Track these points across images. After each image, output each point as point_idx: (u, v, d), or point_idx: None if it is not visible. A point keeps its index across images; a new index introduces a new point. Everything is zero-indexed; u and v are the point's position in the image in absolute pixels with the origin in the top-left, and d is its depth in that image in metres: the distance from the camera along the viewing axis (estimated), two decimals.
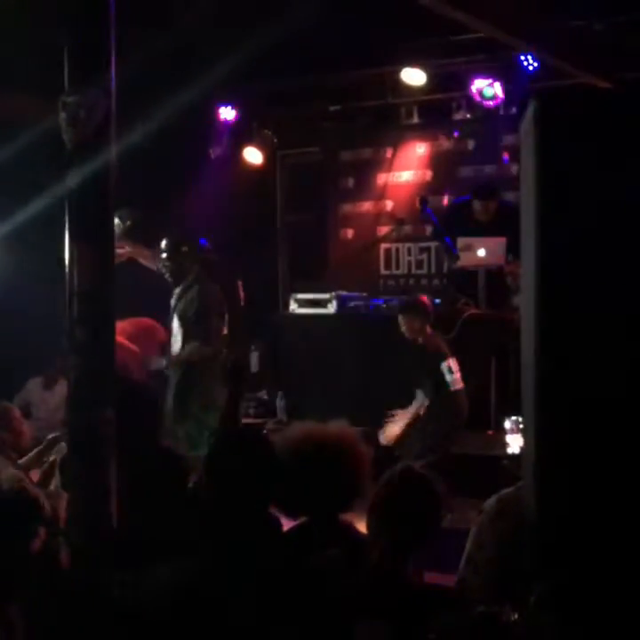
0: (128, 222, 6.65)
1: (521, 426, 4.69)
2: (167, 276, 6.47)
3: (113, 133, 3.22)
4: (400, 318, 6.49)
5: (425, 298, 6.71)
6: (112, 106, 3.23)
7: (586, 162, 2.42)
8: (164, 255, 6.43)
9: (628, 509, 2.47)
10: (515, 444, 6.11)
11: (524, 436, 2.94)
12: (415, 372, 6.50)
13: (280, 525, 3.13)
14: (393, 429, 6.37)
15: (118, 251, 6.59)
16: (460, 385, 6.35)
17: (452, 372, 6.33)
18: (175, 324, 6.44)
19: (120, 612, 2.85)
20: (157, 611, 2.69)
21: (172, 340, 6.50)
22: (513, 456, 5.99)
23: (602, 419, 2.47)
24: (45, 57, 6.70)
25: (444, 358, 6.33)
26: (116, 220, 6.61)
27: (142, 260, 6.85)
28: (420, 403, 6.40)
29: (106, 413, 3.24)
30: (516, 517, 2.71)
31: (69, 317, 3.25)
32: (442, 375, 6.31)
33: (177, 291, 6.44)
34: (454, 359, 6.37)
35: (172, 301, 6.47)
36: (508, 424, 6.27)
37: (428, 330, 6.44)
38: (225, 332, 6.51)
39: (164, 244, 6.46)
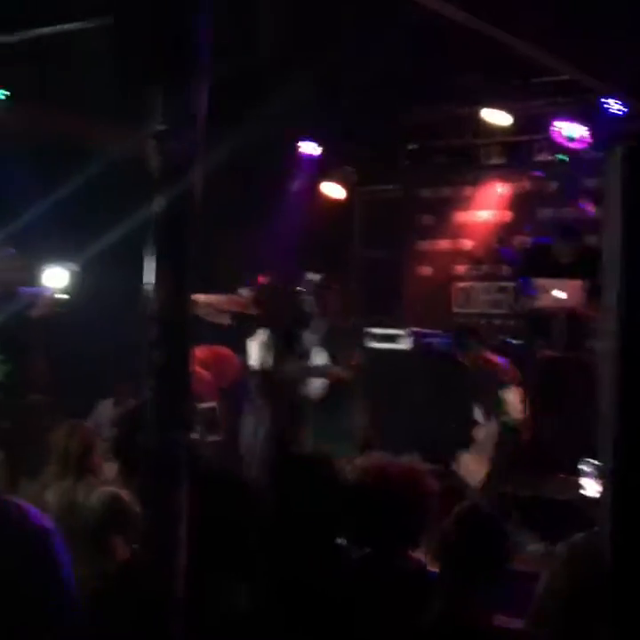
0: None
1: (597, 470, 4.62)
2: None
3: (199, 163, 3.28)
4: (457, 352, 6.45)
5: (473, 327, 6.67)
6: (200, 135, 3.29)
7: None
8: None
9: None
10: (590, 487, 6.01)
11: (601, 482, 2.89)
12: (480, 399, 6.43)
13: (346, 555, 3.12)
14: (469, 460, 6.30)
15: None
16: (519, 415, 6.27)
17: (513, 401, 6.26)
18: None
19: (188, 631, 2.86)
20: (223, 632, 2.71)
21: None
22: (588, 500, 5.89)
23: None
24: (131, 85, 6.92)
25: (507, 386, 6.25)
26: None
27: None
28: (485, 431, 6.33)
29: (180, 436, 3.27)
30: (589, 564, 2.65)
31: (148, 340, 3.30)
32: (503, 403, 6.24)
33: None
34: (519, 389, 6.30)
35: None
36: (584, 467, 6.17)
37: (487, 356, 6.37)
38: None
39: None
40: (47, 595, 2.18)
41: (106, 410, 8.37)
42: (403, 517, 3.13)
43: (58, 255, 6.90)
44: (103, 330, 8.05)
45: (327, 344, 6.76)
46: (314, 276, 6.22)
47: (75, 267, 6.73)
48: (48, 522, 2.35)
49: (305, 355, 6.82)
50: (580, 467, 6.22)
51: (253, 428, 6.80)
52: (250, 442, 6.76)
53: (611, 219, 2.71)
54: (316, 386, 6.85)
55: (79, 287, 6.84)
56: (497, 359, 6.41)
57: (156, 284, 3.29)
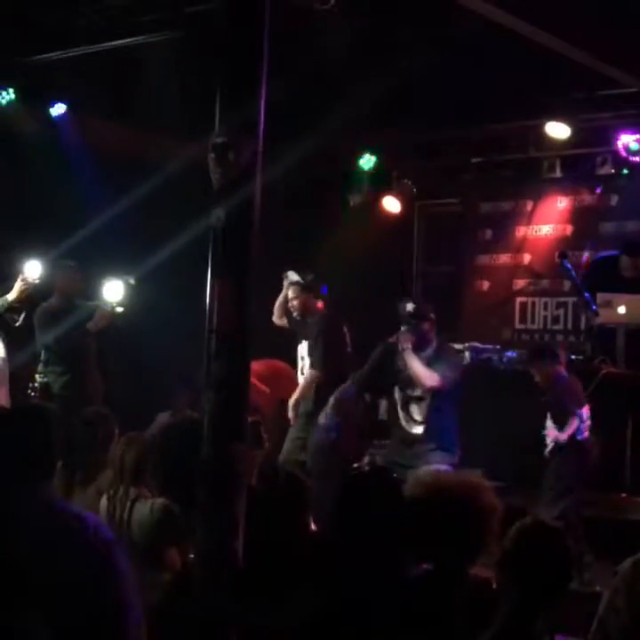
0: (308, 277, 7.07)
1: None
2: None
3: (259, 175, 3.29)
4: (532, 370, 6.37)
5: (545, 345, 6.59)
6: (259, 148, 3.30)
7: None
8: None
9: None
10: None
11: None
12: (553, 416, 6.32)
13: (407, 570, 3.08)
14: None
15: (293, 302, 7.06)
16: (586, 434, 6.16)
17: (582, 420, 6.16)
18: None
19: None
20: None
21: None
22: None
23: None
24: (191, 100, 7.00)
25: (578, 405, 6.16)
26: (295, 276, 6.94)
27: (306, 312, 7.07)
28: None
29: (238, 448, 3.27)
30: None
31: (207, 353, 3.31)
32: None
33: None
34: (587, 407, 6.20)
35: None
36: None
37: (565, 374, 6.28)
38: None
39: None
40: (113, 603, 2.19)
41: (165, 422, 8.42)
42: (462, 534, 3.09)
43: (117, 268, 6.97)
44: (161, 342, 8.12)
45: None
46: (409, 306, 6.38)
47: (131, 280, 6.80)
48: (109, 533, 2.37)
49: None
50: None
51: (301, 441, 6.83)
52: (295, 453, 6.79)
53: None
54: None
55: (136, 300, 6.90)
56: (567, 378, 6.30)
57: (215, 296, 3.31)
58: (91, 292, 7.07)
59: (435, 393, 6.23)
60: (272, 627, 2.77)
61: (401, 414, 6.41)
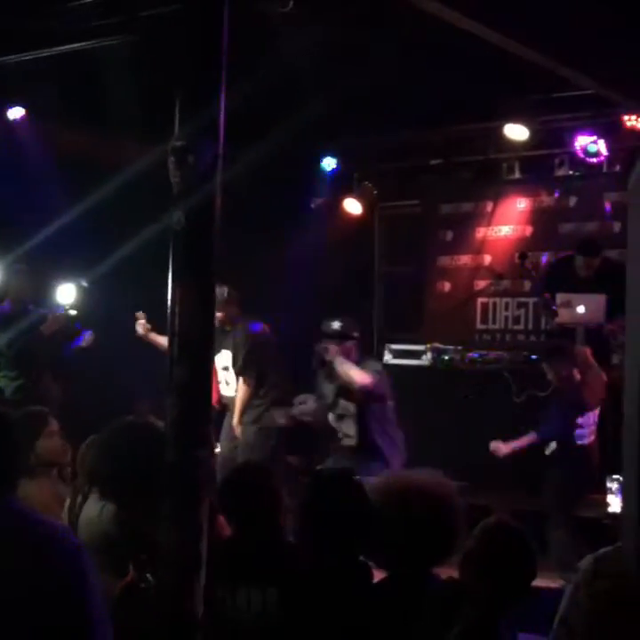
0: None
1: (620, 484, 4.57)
2: None
3: (219, 178, 3.28)
4: (545, 366, 6.37)
5: (568, 344, 6.61)
6: (220, 151, 3.29)
7: None
8: None
9: None
10: (617, 503, 5.95)
11: (624, 496, 2.84)
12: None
13: (369, 574, 3.09)
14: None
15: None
16: (592, 438, 6.21)
17: (588, 425, 6.21)
18: None
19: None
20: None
21: None
22: (614, 515, 5.83)
23: None
24: (148, 103, 6.96)
25: (587, 409, 6.20)
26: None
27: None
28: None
29: (201, 454, 3.25)
30: (614, 578, 2.62)
31: (170, 357, 3.29)
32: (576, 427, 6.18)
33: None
34: (596, 411, 6.23)
35: None
36: (610, 484, 6.10)
37: (577, 377, 6.26)
38: None
39: None
40: (82, 610, 2.17)
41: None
42: (425, 535, 3.10)
43: (71, 271, 6.93)
44: (117, 347, 8.09)
45: None
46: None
47: (84, 283, 6.76)
48: (76, 538, 2.35)
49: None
50: (607, 484, 6.15)
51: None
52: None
53: (635, 231, 2.67)
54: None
55: (89, 303, 6.86)
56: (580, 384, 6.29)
57: (177, 300, 3.29)
58: (45, 296, 7.02)
59: (360, 411, 6.43)
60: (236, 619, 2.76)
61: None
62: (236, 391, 7.01)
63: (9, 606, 2.09)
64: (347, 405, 6.50)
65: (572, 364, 6.24)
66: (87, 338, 6.97)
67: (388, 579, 3.12)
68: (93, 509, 3.74)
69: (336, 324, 6.52)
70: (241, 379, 7.02)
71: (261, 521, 3.24)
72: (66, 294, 6.70)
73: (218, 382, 7.04)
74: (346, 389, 6.45)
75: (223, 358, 7.07)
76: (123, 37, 5.58)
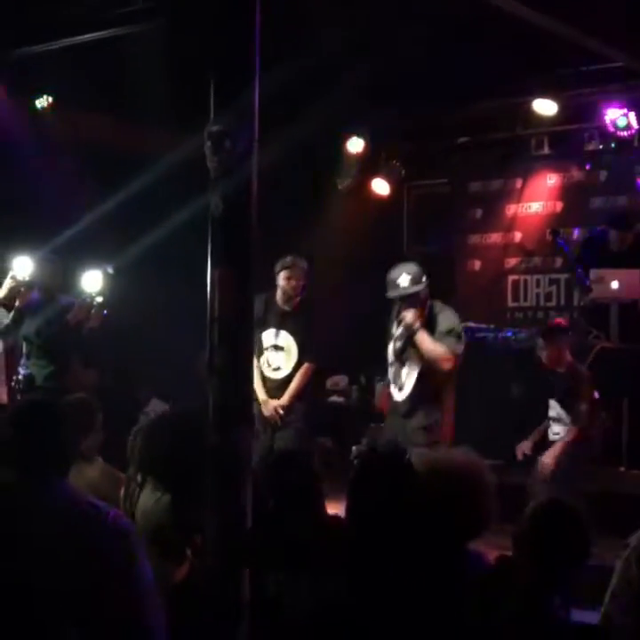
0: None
1: None
2: None
3: (255, 161, 3.29)
4: (541, 344, 6.33)
5: (563, 322, 6.56)
6: (255, 134, 3.30)
7: None
8: None
9: None
10: None
11: None
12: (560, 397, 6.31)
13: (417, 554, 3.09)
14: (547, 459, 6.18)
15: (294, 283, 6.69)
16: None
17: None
18: None
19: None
20: (295, 620, 2.70)
21: None
22: None
23: None
24: (179, 89, 6.96)
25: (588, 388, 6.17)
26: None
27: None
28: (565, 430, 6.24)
29: (243, 434, 3.28)
30: None
31: (210, 341, 3.31)
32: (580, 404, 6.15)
33: None
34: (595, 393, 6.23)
35: None
36: None
37: (569, 357, 6.28)
38: None
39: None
40: (135, 590, 2.20)
41: (157, 406, 8.42)
42: (456, 511, 3.09)
43: (97, 259, 6.97)
44: (148, 332, 8.16)
45: None
46: None
47: (110, 269, 6.78)
48: (127, 522, 2.38)
49: None
50: None
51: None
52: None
53: None
54: None
55: (116, 289, 6.88)
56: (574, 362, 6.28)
57: (216, 285, 3.31)
58: (72, 284, 7.06)
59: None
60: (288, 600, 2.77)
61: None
62: (289, 374, 6.64)
63: (59, 584, 2.13)
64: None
65: (567, 344, 6.23)
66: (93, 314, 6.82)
67: (417, 555, 3.11)
68: (149, 500, 3.76)
69: (404, 281, 5.69)
70: (306, 364, 6.69)
71: (311, 505, 3.24)
72: (92, 281, 6.73)
73: (257, 364, 6.53)
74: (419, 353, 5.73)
75: (279, 338, 6.73)
76: (151, 23, 5.58)
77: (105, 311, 6.74)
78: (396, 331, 5.92)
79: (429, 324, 5.75)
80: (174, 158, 7.15)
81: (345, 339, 8.85)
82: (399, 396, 5.85)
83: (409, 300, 5.72)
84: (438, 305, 5.91)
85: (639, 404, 6.79)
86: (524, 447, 6.35)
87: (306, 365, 6.72)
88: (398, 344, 5.86)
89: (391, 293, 5.77)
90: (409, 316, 5.69)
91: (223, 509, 3.30)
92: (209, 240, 3.32)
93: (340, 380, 9.78)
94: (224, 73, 3.34)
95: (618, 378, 7.11)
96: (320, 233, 9.23)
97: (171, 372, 8.25)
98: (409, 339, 5.77)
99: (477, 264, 9.89)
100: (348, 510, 2.93)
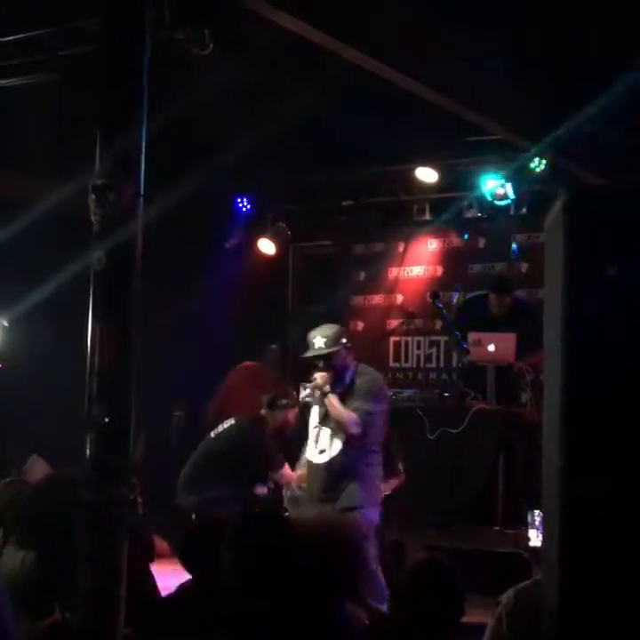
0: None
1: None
2: None
3: (140, 215, 3.29)
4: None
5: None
6: (140, 189, 3.30)
7: (616, 252, 2.40)
8: None
9: None
10: (536, 537, 6.07)
11: (545, 530, 2.90)
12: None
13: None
14: None
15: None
16: None
17: None
18: None
19: None
20: None
21: None
22: (533, 549, 5.94)
23: (629, 518, 2.40)
24: (66, 141, 6.90)
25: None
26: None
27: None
28: None
29: (120, 493, 3.23)
30: (534, 610, 2.66)
31: (88, 395, 3.27)
32: None
33: None
34: None
35: None
36: (530, 518, 6.23)
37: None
38: None
39: None
40: None
41: (37, 466, 8.20)
42: (322, 571, 3.08)
43: None
44: (35, 385, 7.96)
45: None
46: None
47: (5, 322, 6.65)
48: None
49: None
50: (528, 518, 6.28)
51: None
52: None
53: (552, 267, 2.72)
54: None
55: (9, 342, 6.74)
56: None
57: (97, 339, 3.28)
58: None
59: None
60: None
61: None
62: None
63: None
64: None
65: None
66: None
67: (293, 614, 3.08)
68: (15, 559, 3.65)
69: (319, 342, 5.59)
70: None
71: None
72: None
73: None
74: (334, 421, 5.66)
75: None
76: (42, 76, 5.55)
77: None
78: (304, 392, 5.93)
79: (350, 387, 5.69)
80: (58, 209, 7.08)
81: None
82: (318, 458, 5.77)
83: (323, 361, 5.65)
84: (361, 367, 5.82)
85: (513, 464, 6.93)
86: None
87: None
88: (323, 409, 5.78)
89: (305, 354, 5.73)
90: (319, 378, 5.64)
91: (96, 568, 3.23)
92: (91, 293, 3.29)
93: None
94: (110, 126, 3.35)
95: (493, 437, 7.26)
96: (205, 292, 9.22)
97: (54, 428, 8.06)
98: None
99: (360, 325, 10.03)
100: (227, 566, 2.91)
